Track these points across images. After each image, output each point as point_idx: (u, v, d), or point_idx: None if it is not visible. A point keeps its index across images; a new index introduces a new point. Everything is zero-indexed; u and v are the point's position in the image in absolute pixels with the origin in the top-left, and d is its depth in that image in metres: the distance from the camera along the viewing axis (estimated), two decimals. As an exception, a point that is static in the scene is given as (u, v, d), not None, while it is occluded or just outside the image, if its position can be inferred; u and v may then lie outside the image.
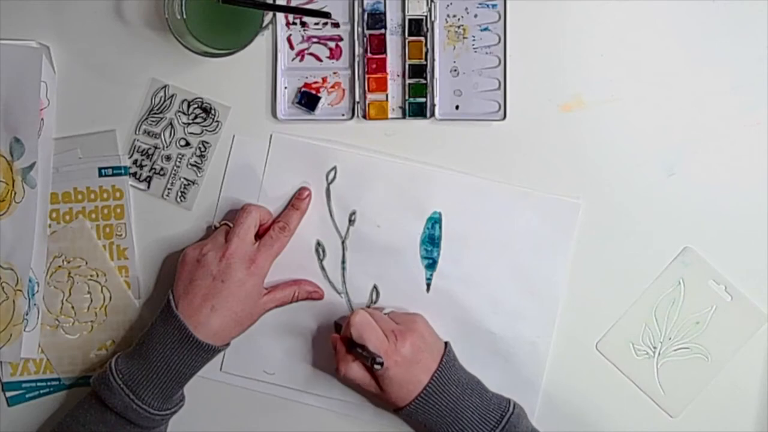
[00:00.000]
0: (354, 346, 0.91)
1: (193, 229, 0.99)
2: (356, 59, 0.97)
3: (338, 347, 0.93)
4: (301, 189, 0.97)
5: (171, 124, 0.98)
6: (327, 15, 0.92)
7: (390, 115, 0.98)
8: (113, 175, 0.98)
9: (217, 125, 0.98)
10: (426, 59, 0.97)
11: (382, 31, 0.97)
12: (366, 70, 0.97)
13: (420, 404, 0.90)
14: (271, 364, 0.99)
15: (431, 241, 0.99)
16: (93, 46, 0.97)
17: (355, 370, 0.92)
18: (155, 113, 0.98)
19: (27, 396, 0.99)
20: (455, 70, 0.97)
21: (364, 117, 0.98)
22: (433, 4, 0.96)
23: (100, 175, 0.98)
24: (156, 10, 0.96)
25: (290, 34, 0.98)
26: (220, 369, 0.99)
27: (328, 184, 0.98)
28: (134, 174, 0.99)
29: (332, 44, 0.98)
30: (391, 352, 0.89)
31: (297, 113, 0.98)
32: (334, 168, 0.98)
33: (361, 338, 0.90)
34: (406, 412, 0.91)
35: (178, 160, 0.98)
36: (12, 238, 0.94)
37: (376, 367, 0.88)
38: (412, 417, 0.92)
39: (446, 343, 0.95)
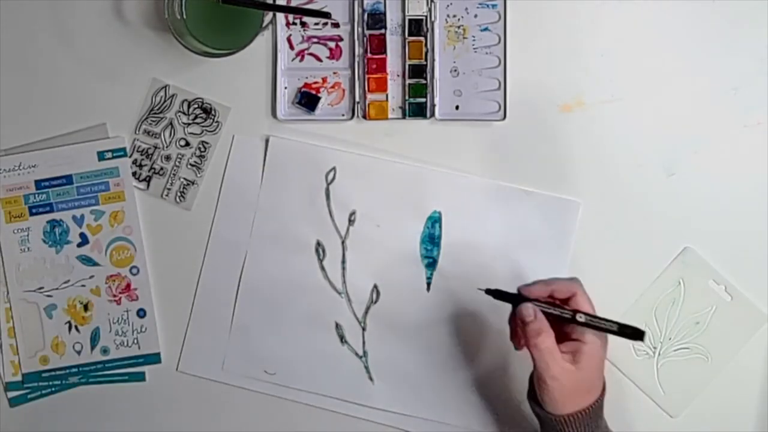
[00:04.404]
0: (565, 312, 0.85)
1: (192, 230, 0.99)
2: (356, 59, 0.97)
3: (538, 314, 0.84)
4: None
5: (171, 124, 0.98)
6: (327, 15, 0.92)
7: (390, 115, 0.98)
8: (114, 158, 0.98)
9: (217, 125, 0.98)
10: (426, 59, 0.97)
11: (382, 31, 0.97)
12: (366, 70, 0.97)
13: (578, 419, 0.85)
14: (272, 363, 0.99)
15: (431, 240, 0.99)
16: (93, 46, 0.97)
17: (553, 342, 0.84)
18: (155, 113, 0.98)
19: (29, 396, 1.00)
20: (455, 70, 0.97)
21: (364, 117, 0.98)
22: (433, 4, 0.96)
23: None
24: (156, 10, 0.97)
25: (290, 34, 0.98)
26: (222, 368, 0.99)
27: (328, 185, 0.98)
28: (134, 174, 0.99)
29: (332, 44, 0.98)
30: (598, 337, 0.85)
31: (297, 113, 0.98)
32: (333, 168, 0.98)
33: (588, 306, 0.85)
34: (563, 418, 0.85)
35: (178, 160, 0.99)
36: None
37: (636, 336, 0.83)
38: (570, 427, 0.86)
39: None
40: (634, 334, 0.84)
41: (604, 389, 0.88)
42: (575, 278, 0.88)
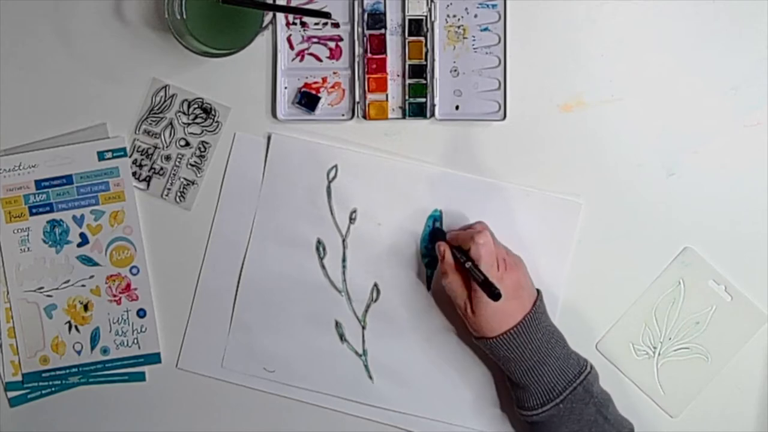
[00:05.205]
0: (462, 257, 0.91)
1: (192, 230, 0.99)
2: (356, 59, 0.97)
3: (446, 256, 0.93)
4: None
5: (171, 124, 0.98)
6: (327, 15, 0.91)
7: (390, 115, 0.98)
8: (113, 158, 0.98)
9: (217, 126, 0.98)
10: (426, 59, 0.97)
11: (382, 31, 0.97)
12: (366, 70, 0.97)
13: (507, 339, 0.91)
14: (272, 361, 1.00)
15: (432, 238, 0.99)
16: (93, 46, 0.97)
17: (457, 284, 0.92)
18: (155, 113, 0.98)
19: (29, 396, 1.00)
20: (455, 70, 0.97)
21: (364, 117, 0.98)
22: (433, 4, 0.96)
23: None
24: (156, 10, 0.96)
25: (290, 34, 0.97)
26: (221, 366, 0.99)
27: (329, 182, 0.98)
28: (134, 174, 0.99)
29: (332, 44, 0.98)
30: (496, 281, 0.89)
31: (297, 113, 0.98)
32: (335, 166, 0.98)
33: (479, 258, 0.90)
34: (490, 343, 0.92)
35: (178, 160, 0.99)
36: None
37: (491, 296, 0.87)
38: (494, 350, 0.92)
39: (538, 290, 0.95)
40: (491, 293, 0.87)
41: (524, 319, 0.91)
42: (480, 224, 0.95)
